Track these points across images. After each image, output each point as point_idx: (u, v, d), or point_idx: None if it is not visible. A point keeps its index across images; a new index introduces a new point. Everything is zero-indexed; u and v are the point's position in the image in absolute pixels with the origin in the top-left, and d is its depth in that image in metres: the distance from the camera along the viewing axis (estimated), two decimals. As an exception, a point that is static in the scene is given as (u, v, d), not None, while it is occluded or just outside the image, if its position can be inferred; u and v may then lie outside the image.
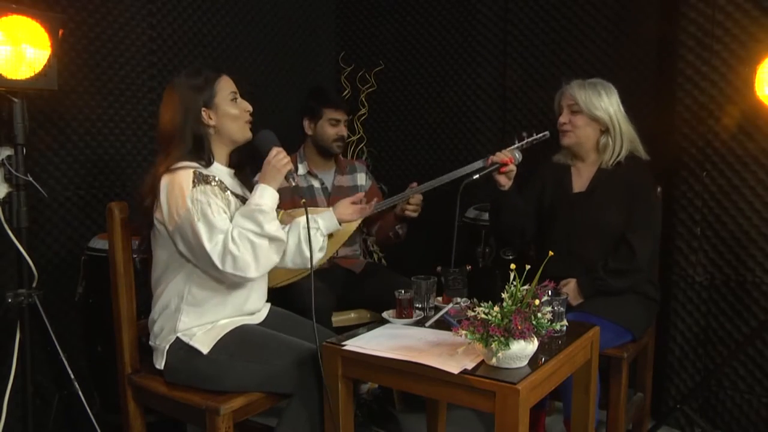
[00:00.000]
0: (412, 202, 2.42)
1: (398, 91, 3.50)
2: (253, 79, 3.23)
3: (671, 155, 2.52)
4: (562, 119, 2.31)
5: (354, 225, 2.50)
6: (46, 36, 2.06)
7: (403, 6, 3.44)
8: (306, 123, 2.70)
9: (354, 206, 2.21)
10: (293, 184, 1.91)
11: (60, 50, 2.15)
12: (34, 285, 2.16)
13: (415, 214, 2.43)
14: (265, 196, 1.82)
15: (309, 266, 1.86)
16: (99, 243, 2.38)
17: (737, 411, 2.50)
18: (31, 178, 2.15)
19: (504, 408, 1.42)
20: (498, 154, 2.22)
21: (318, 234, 1.96)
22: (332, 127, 2.67)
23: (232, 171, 1.97)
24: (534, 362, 1.53)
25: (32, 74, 2.05)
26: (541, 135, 2.33)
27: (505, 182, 2.25)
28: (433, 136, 3.41)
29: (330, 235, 2.11)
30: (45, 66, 2.07)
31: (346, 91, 3.57)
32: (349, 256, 2.75)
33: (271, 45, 3.34)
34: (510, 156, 2.21)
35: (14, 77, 2.01)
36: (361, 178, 2.80)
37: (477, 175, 2.19)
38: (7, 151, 2.11)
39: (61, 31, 2.11)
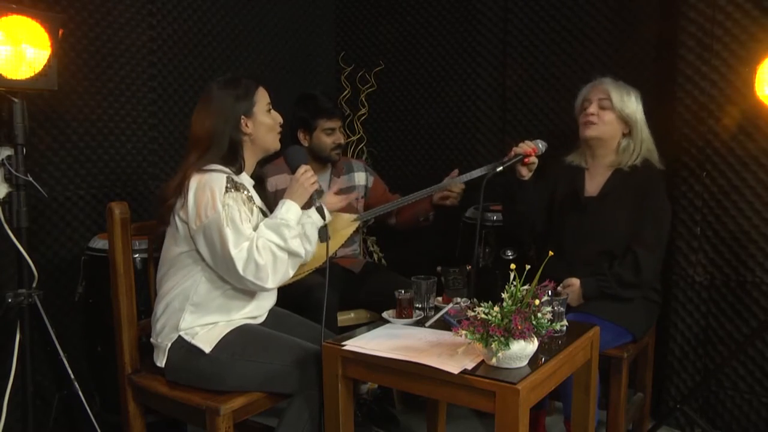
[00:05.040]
0: (455, 189, 2.46)
1: (398, 91, 3.49)
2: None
3: (671, 155, 2.52)
4: (591, 110, 2.28)
5: (353, 226, 2.50)
6: (46, 36, 2.06)
7: (403, 6, 3.43)
8: (300, 135, 2.65)
9: (339, 195, 2.25)
10: (317, 204, 1.94)
11: (60, 50, 2.15)
12: (34, 285, 2.16)
13: (457, 202, 2.49)
14: (291, 211, 1.87)
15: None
16: (99, 243, 2.38)
17: (737, 411, 2.50)
18: (31, 178, 2.14)
19: (504, 408, 1.43)
20: (521, 144, 2.21)
21: (314, 228, 1.97)
22: (328, 136, 2.63)
23: (253, 183, 2.01)
24: (534, 362, 1.53)
25: (32, 74, 2.05)
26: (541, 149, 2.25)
27: (526, 173, 2.23)
28: (433, 136, 3.41)
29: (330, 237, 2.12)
30: (45, 66, 2.07)
31: (346, 91, 3.57)
32: (349, 256, 2.75)
33: (271, 45, 3.34)
34: (533, 147, 2.20)
35: (14, 77, 2.01)
36: (360, 177, 2.79)
37: (501, 167, 2.18)
38: (7, 151, 2.11)
39: (61, 31, 2.11)
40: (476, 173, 2.33)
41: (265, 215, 1.94)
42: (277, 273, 1.81)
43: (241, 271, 1.76)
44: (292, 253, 1.83)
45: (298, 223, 1.89)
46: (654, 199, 2.24)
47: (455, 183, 2.45)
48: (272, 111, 1.99)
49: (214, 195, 1.77)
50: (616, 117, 2.27)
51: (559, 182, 2.41)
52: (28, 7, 2.09)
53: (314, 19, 3.58)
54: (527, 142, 2.21)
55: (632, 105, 2.27)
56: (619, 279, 2.17)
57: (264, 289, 1.85)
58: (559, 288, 2.13)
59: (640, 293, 2.24)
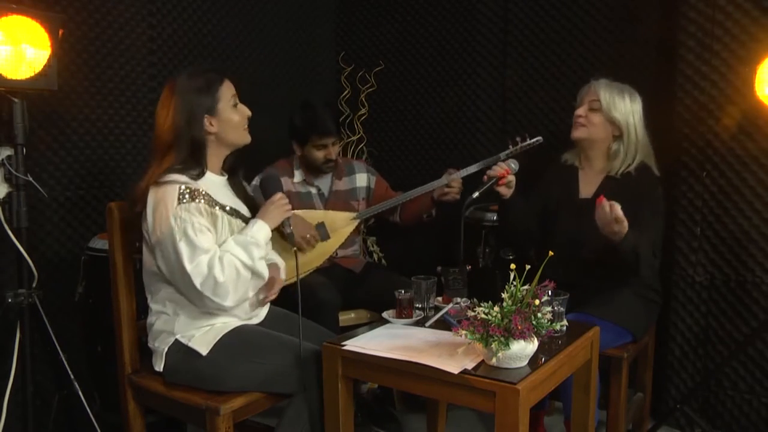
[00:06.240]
0: (454, 185, 2.49)
1: (398, 91, 3.49)
2: (253, 79, 3.22)
3: (671, 155, 2.52)
4: (580, 112, 2.30)
5: (352, 225, 2.50)
6: (46, 36, 2.05)
7: (403, 6, 3.43)
8: (294, 144, 2.65)
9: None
10: (288, 231, 1.93)
11: (60, 50, 2.15)
12: (34, 285, 2.16)
13: (458, 196, 2.52)
14: (262, 231, 1.85)
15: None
16: (99, 243, 2.38)
17: (737, 411, 2.50)
18: (31, 178, 2.14)
19: (504, 408, 1.43)
20: (494, 168, 2.26)
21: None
22: (319, 150, 2.61)
23: (225, 178, 1.96)
24: (534, 362, 1.53)
25: (32, 74, 2.04)
26: (534, 140, 2.37)
27: (506, 192, 2.28)
28: (433, 136, 3.41)
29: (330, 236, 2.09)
30: (45, 66, 2.06)
31: (346, 91, 3.57)
32: (349, 256, 2.75)
33: (272, 45, 3.34)
34: (506, 168, 2.24)
35: (14, 77, 2.01)
36: (361, 179, 2.78)
37: (477, 194, 2.22)
38: (7, 151, 2.11)
39: (61, 31, 2.10)
40: (472, 168, 2.44)
41: (236, 212, 1.89)
42: (237, 291, 1.76)
43: (198, 287, 1.71)
44: (255, 273, 1.81)
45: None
46: (648, 204, 2.22)
47: (454, 178, 2.49)
48: (239, 105, 1.89)
49: (167, 209, 1.72)
50: (605, 119, 2.26)
51: (553, 184, 2.42)
52: (28, 7, 2.08)
53: (314, 19, 3.58)
54: (500, 164, 2.26)
55: (623, 108, 2.25)
56: (635, 249, 2.13)
57: (222, 308, 1.78)
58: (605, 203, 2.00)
59: (636, 282, 2.22)
